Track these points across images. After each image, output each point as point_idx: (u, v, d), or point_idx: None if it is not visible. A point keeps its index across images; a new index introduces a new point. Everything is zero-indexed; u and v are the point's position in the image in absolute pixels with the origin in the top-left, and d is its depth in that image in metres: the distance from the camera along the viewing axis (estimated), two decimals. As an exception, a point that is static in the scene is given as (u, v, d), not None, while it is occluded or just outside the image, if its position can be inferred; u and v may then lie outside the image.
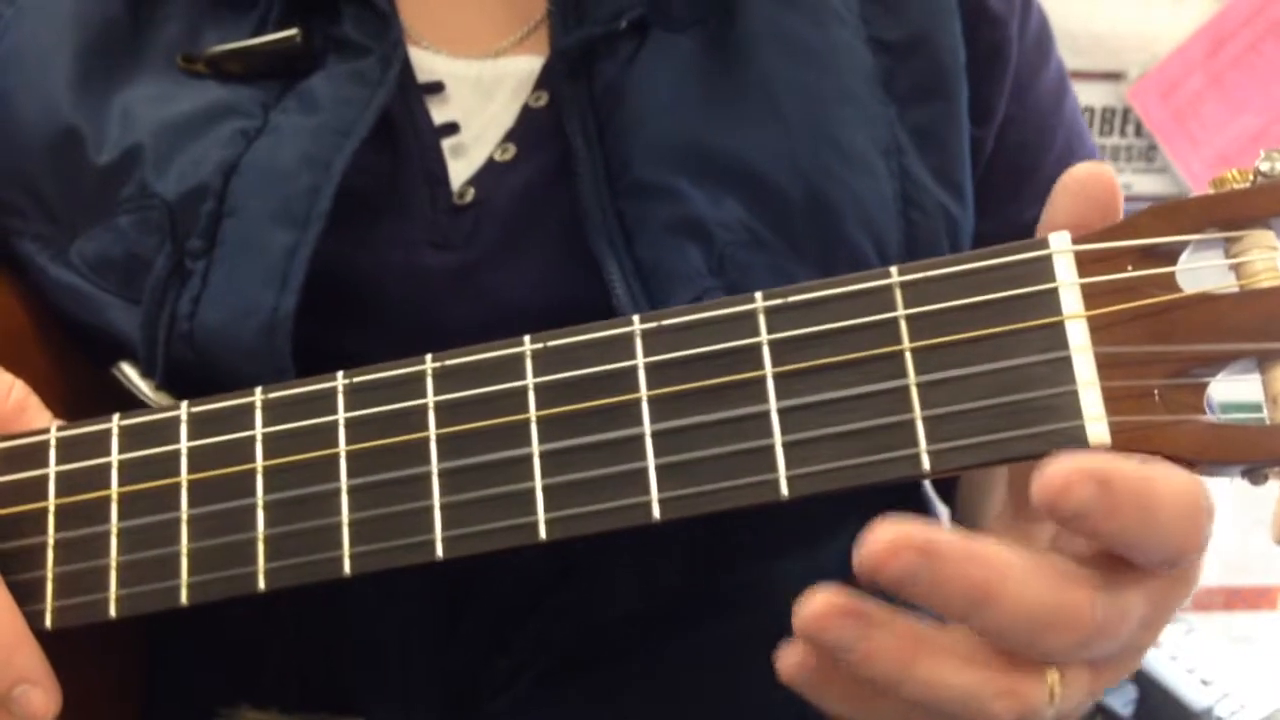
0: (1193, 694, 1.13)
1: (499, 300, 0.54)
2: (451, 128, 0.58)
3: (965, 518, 0.66)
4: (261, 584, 0.45)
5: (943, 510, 0.69)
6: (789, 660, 0.38)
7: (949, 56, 0.60)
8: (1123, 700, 1.16)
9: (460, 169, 0.57)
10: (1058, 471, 0.34)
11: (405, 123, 0.57)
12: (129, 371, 0.54)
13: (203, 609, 0.48)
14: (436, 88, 0.59)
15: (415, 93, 0.58)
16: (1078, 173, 0.41)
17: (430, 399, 0.44)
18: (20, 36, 0.61)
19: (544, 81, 0.58)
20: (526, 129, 0.58)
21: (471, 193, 0.56)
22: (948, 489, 0.68)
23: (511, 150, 0.57)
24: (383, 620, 0.55)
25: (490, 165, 0.57)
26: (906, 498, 0.66)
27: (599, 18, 0.57)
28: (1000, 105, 0.62)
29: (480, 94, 0.59)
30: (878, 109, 0.58)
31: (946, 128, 0.59)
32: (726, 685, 0.58)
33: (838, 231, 0.55)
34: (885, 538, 0.35)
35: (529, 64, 0.59)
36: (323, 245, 0.52)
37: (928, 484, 0.68)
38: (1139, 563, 0.37)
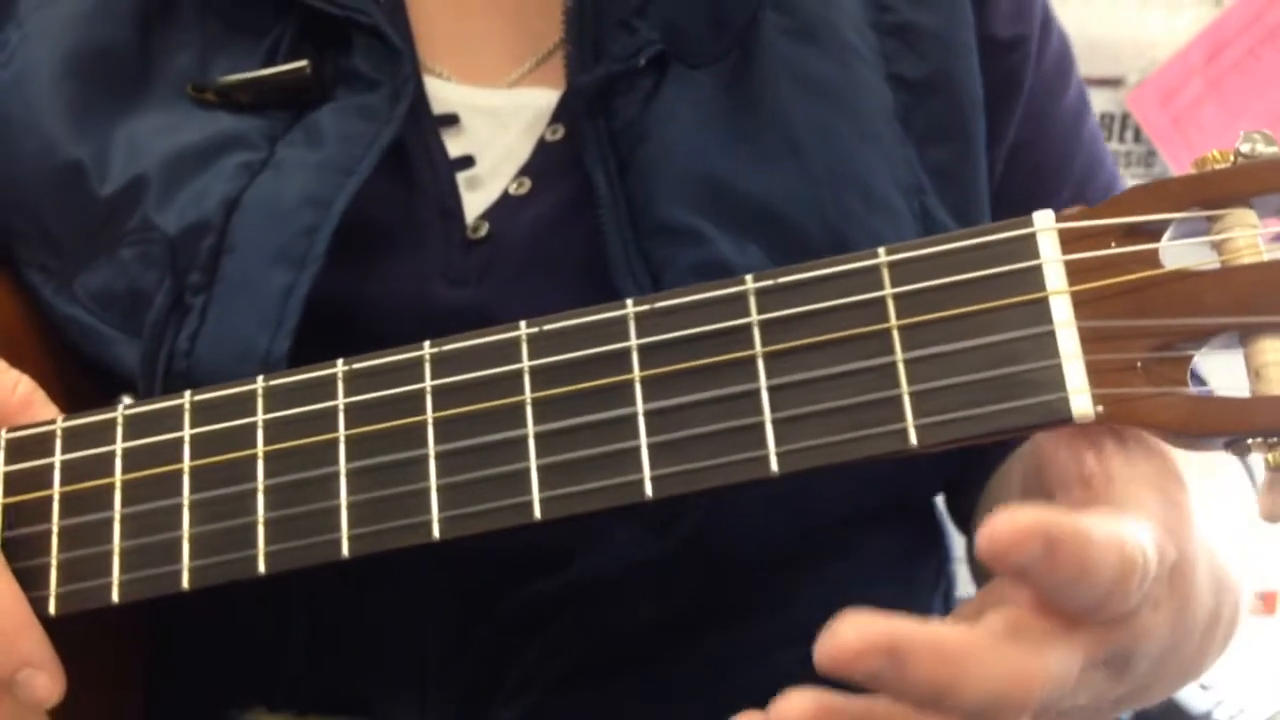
0: (1191, 698, 1.13)
1: None
2: (467, 161, 0.58)
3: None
4: (262, 567, 0.46)
5: (958, 539, 0.68)
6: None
7: (967, 95, 0.59)
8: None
9: (474, 202, 0.57)
10: (1004, 529, 0.34)
11: (420, 155, 0.57)
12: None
13: (215, 607, 0.48)
14: (451, 120, 0.59)
15: (430, 125, 0.58)
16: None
17: (428, 383, 0.45)
18: (25, 62, 0.61)
19: (560, 115, 0.58)
20: (542, 163, 0.57)
21: (486, 227, 0.56)
22: (964, 517, 0.67)
23: (527, 184, 0.57)
24: (397, 625, 0.55)
25: (505, 199, 0.57)
26: (922, 519, 0.66)
27: (617, 54, 0.57)
28: (1010, 129, 0.62)
29: (495, 126, 0.59)
30: (898, 148, 0.58)
31: (965, 167, 0.59)
32: (739, 695, 0.58)
33: None
34: (852, 641, 0.34)
35: (545, 97, 0.59)
36: (327, 280, 0.52)
37: (944, 512, 0.68)
38: (1067, 610, 0.37)
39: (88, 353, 0.56)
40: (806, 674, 0.59)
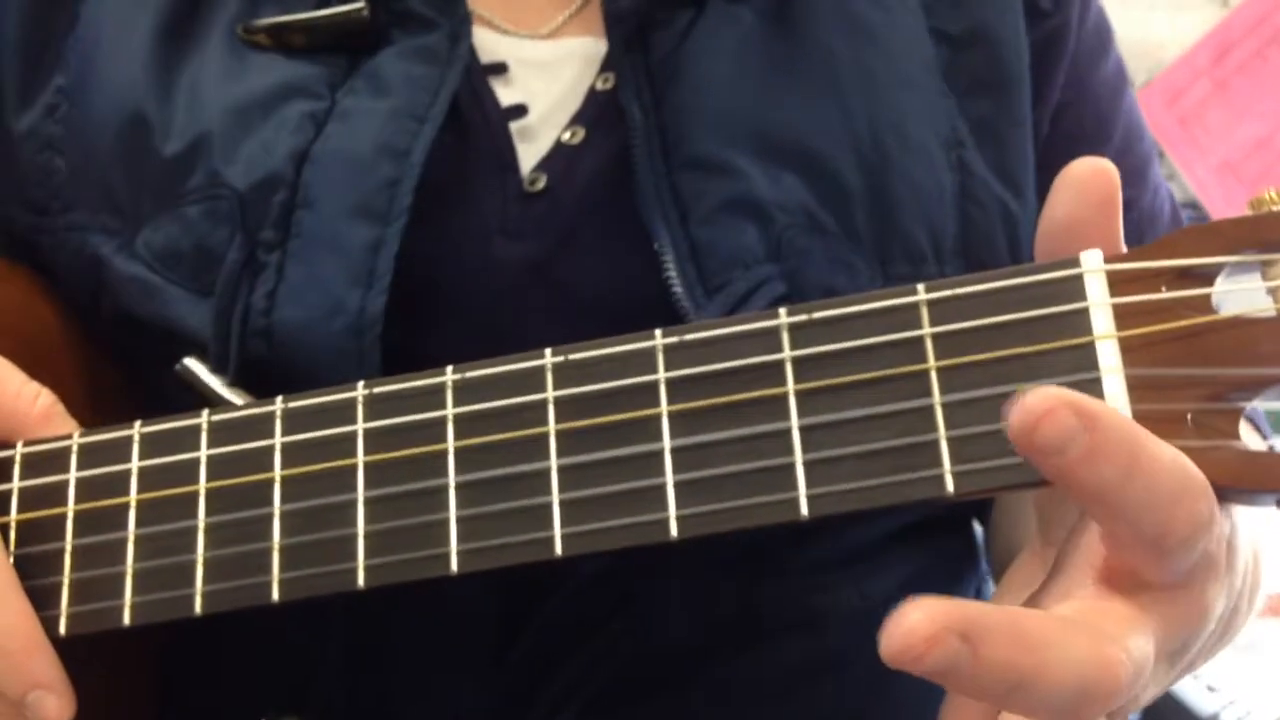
0: (1199, 700, 1.11)
1: (569, 292, 0.53)
2: (519, 110, 0.57)
3: (997, 544, 0.65)
4: (275, 595, 0.45)
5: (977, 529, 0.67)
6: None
7: (1010, 52, 0.59)
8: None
9: (528, 153, 0.56)
10: (1039, 399, 0.31)
11: (472, 106, 0.56)
12: (197, 368, 0.52)
13: (248, 618, 0.47)
14: (500, 69, 0.58)
15: (480, 75, 0.57)
16: (1079, 170, 0.39)
17: (449, 411, 0.44)
18: (95, 27, 0.60)
19: (610, 63, 0.57)
20: (594, 111, 0.57)
21: (543, 179, 0.55)
22: (983, 509, 0.66)
23: (580, 133, 0.56)
24: (432, 643, 0.54)
25: (559, 148, 0.56)
26: (960, 535, 0.64)
27: None
28: (1055, 90, 0.61)
29: (545, 75, 0.58)
30: (938, 99, 0.57)
31: (1006, 123, 0.58)
32: (779, 714, 0.57)
33: (895, 222, 0.54)
34: (924, 624, 0.31)
35: (593, 46, 0.58)
36: (404, 235, 0.52)
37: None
38: (1124, 541, 0.34)
39: (148, 313, 0.55)
40: (842, 695, 0.58)
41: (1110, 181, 0.39)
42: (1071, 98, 0.62)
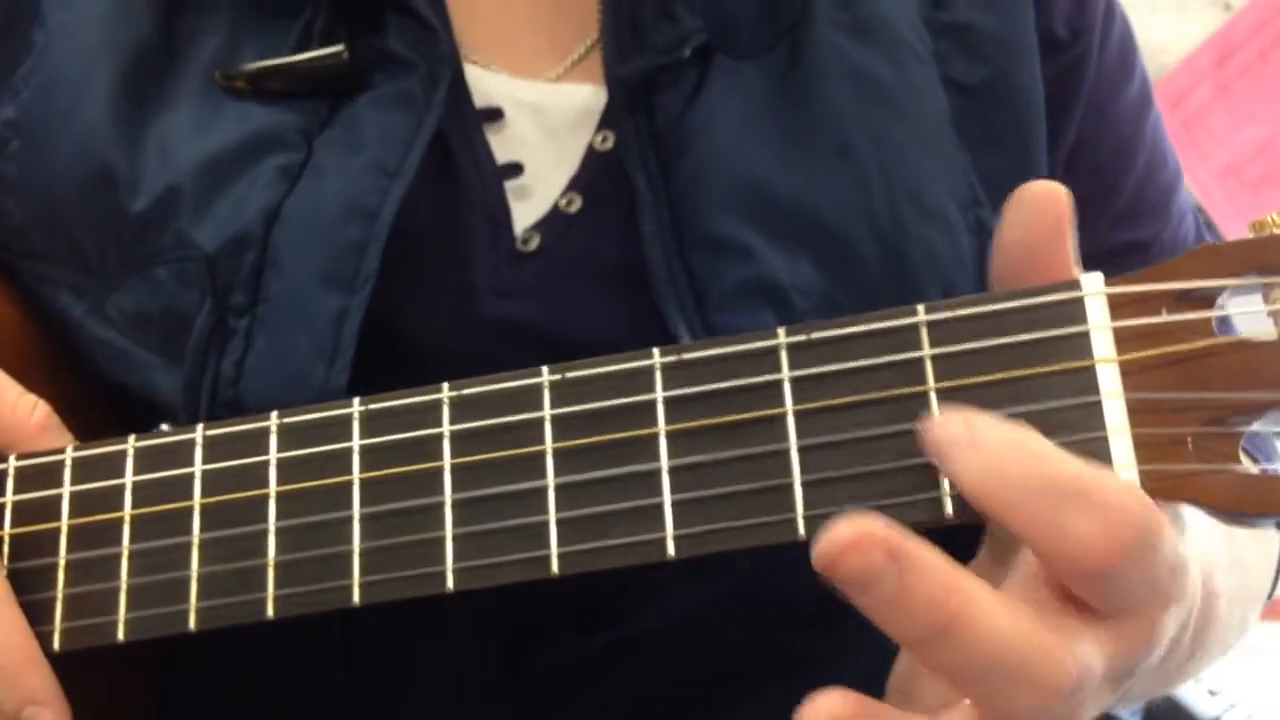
0: (1200, 703, 1.11)
1: (563, 357, 0.52)
2: (514, 169, 0.55)
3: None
4: (270, 611, 0.44)
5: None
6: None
7: (1026, 101, 0.56)
8: (1129, 709, 1.14)
9: (522, 212, 0.55)
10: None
11: (465, 155, 0.55)
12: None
13: (248, 644, 0.47)
14: (495, 114, 0.56)
15: (474, 121, 0.56)
16: (1032, 193, 0.39)
17: (446, 428, 0.44)
18: (52, 64, 0.57)
19: (608, 120, 0.55)
20: (592, 176, 0.55)
21: (537, 240, 0.54)
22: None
23: (577, 201, 0.54)
24: (437, 673, 0.53)
25: (555, 214, 0.54)
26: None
27: (658, 44, 0.54)
28: (1071, 129, 0.59)
29: (541, 127, 0.56)
30: (955, 155, 0.55)
31: (1023, 177, 0.55)
32: None
33: (914, 292, 0.52)
34: (849, 529, 0.32)
35: (591, 95, 0.56)
36: (377, 295, 0.50)
37: None
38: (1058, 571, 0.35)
39: (124, 380, 0.54)
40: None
41: (1061, 206, 0.39)
42: (1090, 131, 0.60)
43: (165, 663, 0.57)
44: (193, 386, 0.51)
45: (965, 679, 0.34)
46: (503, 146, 0.56)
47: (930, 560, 0.33)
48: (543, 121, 0.56)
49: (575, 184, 0.55)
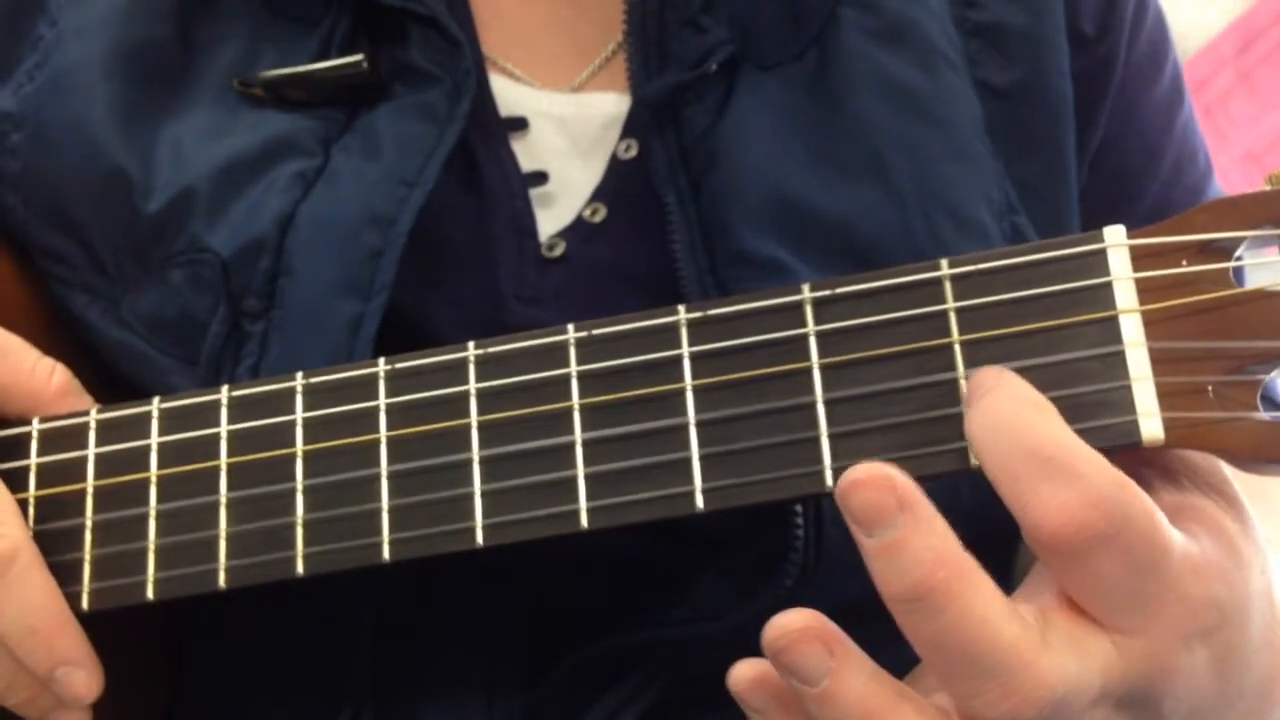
0: None
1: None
2: (539, 177, 0.55)
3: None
4: (300, 568, 0.45)
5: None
6: (743, 674, 0.37)
7: (1057, 101, 0.55)
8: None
9: (547, 219, 0.54)
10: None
11: (490, 165, 0.54)
12: None
13: (280, 631, 0.47)
14: (519, 124, 0.56)
15: (499, 129, 0.55)
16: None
17: (472, 385, 0.44)
18: (62, 63, 0.56)
19: (631, 129, 0.55)
20: (616, 186, 0.54)
21: (562, 246, 0.54)
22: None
23: (602, 212, 0.54)
24: (467, 668, 0.52)
25: (580, 222, 0.54)
26: (1008, 555, 0.61)
27: (684, 58, 0.53)
28: (1098, 130, 0.58)
29: (565, 137, 0.56)
30: (989, 164, 0.54)
31: (1055, 181, 0.55)
32: None
33: None
34: (878, 468, 0.33)
35: (614, 103, 0.56)
36: (396, 301, 0.50)
37: None
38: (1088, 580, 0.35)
39: (140, 382, 0.53)
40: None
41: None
42: (1117, 130, 0.59)
43: (182, 660, 0.57)
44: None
45: (939, 659, 0.35)
46: (527, 154, 0.56)
47: (938, 528, 0.34)
48: (567, 131, 0.56)
49: (600, 194, 0.55)
